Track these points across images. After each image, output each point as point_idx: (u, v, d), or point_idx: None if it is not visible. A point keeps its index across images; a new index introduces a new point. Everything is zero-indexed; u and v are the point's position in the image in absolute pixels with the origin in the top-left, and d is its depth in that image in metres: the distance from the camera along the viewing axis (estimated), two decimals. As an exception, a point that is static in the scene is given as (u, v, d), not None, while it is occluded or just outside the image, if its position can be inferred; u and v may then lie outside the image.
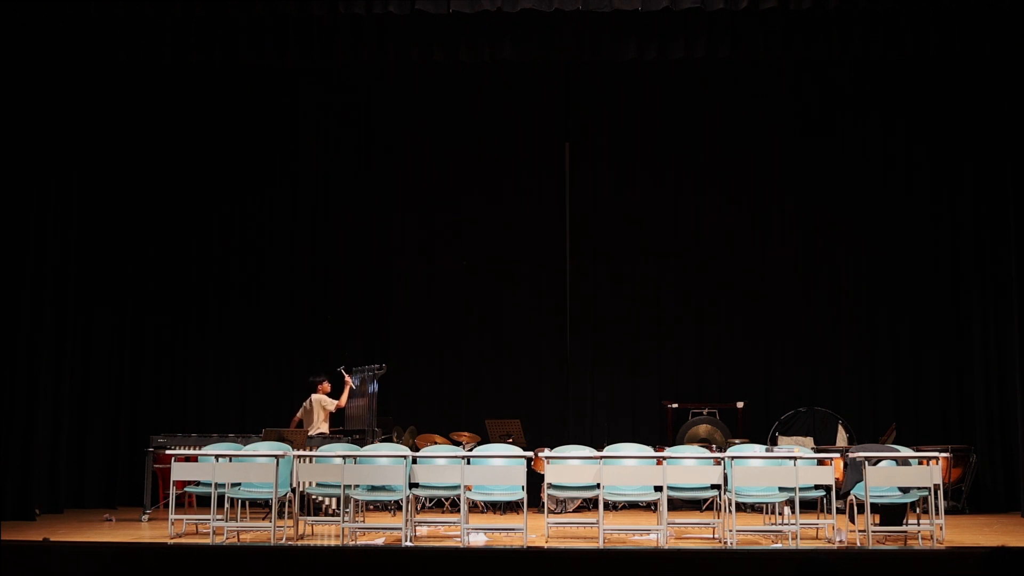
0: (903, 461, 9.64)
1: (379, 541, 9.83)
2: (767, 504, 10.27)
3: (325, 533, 10.34)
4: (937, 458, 9.56)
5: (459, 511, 9.78)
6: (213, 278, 13.76)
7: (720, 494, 9.58)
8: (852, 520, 9.58)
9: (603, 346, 13.80)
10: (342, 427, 12.41)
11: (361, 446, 10.71)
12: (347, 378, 12.26)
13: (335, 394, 12.30)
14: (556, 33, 11.42)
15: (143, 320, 13.41)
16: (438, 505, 12.09)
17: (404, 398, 13.61)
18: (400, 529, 9.55)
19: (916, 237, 13.34)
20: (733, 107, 13.78)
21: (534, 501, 10.78)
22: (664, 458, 9.99)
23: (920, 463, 9.63)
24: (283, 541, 9.63)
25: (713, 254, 13.76)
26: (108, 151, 13.07)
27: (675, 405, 13.27)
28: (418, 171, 14.05)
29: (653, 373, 13.72)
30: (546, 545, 9.48)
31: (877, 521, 9.65)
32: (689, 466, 9.93)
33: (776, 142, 13.76)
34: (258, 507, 11.09)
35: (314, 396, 12.19)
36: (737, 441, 11.92)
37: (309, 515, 10.71)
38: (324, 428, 12.12)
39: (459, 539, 9.60)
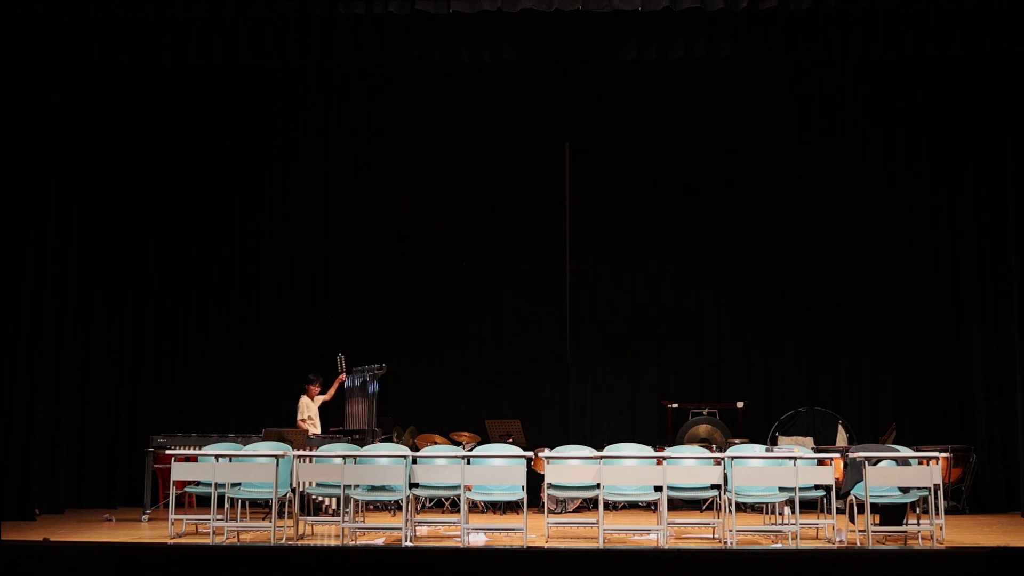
0: (903, 461, 9.64)
1: (379, 541, 9.83)
2: (767, 504, 10.26)
3: (325, 533, 10.34)
4: (937, 458, 9.56)
5: (459, 511, 9.78)
6: (213, 278, 13.77)
7: (720, 494, 9.58)
8: (852, 520, 9.58)
9: (603, 346, 13.80)
10: (342, 427, 12.44)
11: (361, 446, 10.71)
12: (342, 373, 12.38)
13: (326, 389, 12.50)
14: (556, 33, 11.42)
15: (143, 320, 13.41)
16: (438, 505, 12.09)
17: (404, 398, 13.61)
18: (400, 529, 9.54)
19: (916, 237, 13.34)
20: (733, 107, 13.78)
21: (534, 501, 10.78)
22: (664, 458, 9.99)
23: (920, 463, 9.62)
24: (283, 541, 9.63)
25: (713, 254, 13.75)
26: (109, 152, 13.08)
27: (675, 405, 13.27)
28: (418, 171, 14.06)
29: (653, 373, 13.72)
30: (546, 545, 9.48)
31: (877, 521, 9.65)
32: (689, 466, 9.93)
33: (776, 142, 13.76)
34: (258, 507, 11.09)
35: (302, 398, 12.34)
36: (737, 441, 11.92)
37: (309, 515, 10.72)
38: (315, 429, 12.23)
39: (459, 539, 9.60)
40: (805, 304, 13.64)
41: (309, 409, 12.41)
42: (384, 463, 9.88)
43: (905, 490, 9.53)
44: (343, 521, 9.55)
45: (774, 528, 10.08)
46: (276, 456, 9.78)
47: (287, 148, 14.03)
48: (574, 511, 12.00)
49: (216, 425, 12.79)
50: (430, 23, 11.29)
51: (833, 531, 9.58)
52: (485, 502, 11.14)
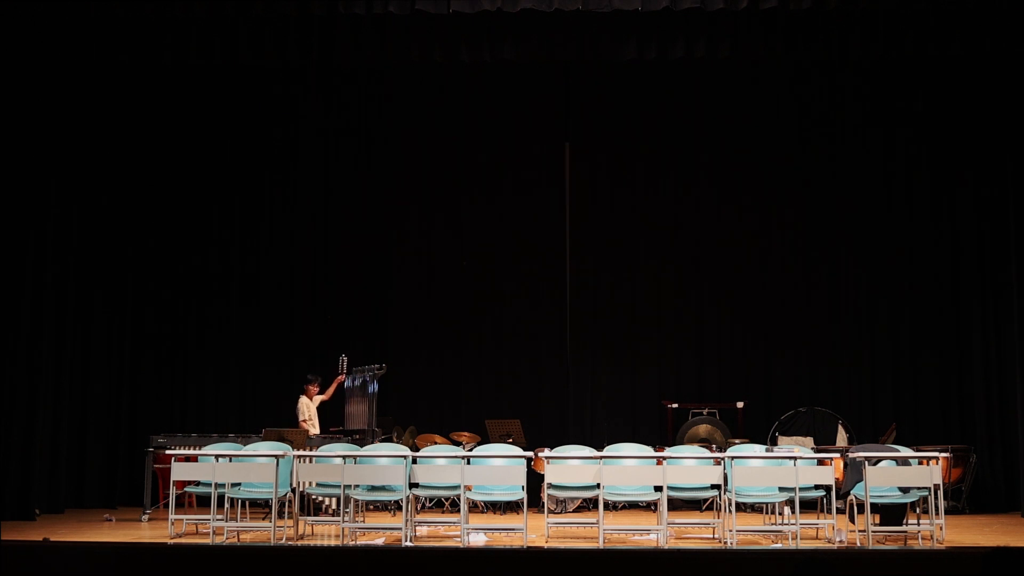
0: (903, 461, 9.64)
1: (379, 541, 9.83)
2: (767, 504, 10.26)
3: (325, 533, 10.34)
4: (937, 458, 9.56)
5: (459, 511, 9.78)
6: (213, 278, 13.77)
7: (720, 494, 9.58)
8: (852, 520, 9.58)
9: (603, 346, 13.80)
10: (342, 427, 12.45)
11: (361, 446, 10.71)
12: (342, 374, 12.38)
13: (324, 389, 12.53)
14: (556, 33, 11.42)
15: (143, 320, 13.42)
16: (438, 505, 12.09)
17: (404, 398, 13.61)
18: (400, 529, 9.54)
19: (916, 237, 13.34)
20: (733, 107, 13.78)
21: (534, 501, 10.78)
22: (664, 458, 9.99)
23: (920, 463, 9.63)
24: (283, 541, 9.63)
25: (713, 254, 13.76)
26: (108, 152, 13.07)
27: (675, 405, 13.27)
28: (418, 171, 14.06)
29: (653, 373, 13.72)
30: (546, 545, 9.48)
31: (877, 521, 9.65)
32: (689, 466, 9.93)
33: (776, 142, 13.76)
34: (258, 507, 11.09)
35: (301, 399, 12.35)
36: (737, 441, 11.92)
37: (309, 515, 10.72)
38: (314, 430, 12.24)
39: (459, 539, 9.60)
40: (805, 304, 13.63)
41: (309, 410, 12.44)
42: (384, 463, 9.88)
43: (905, 490, 9.53)
44: (343, 521, 9.55)
45: (774, 528, 10.08)
46: (276, 456, 9.78)
47: (287, 148, 14.03)
48: (574, 511, 12.00)
49: (216, 425, 12.79)
50: (430, 23, 11.29)
51: (833, 531, 9.58)
52: (485, 502, 11.14)
